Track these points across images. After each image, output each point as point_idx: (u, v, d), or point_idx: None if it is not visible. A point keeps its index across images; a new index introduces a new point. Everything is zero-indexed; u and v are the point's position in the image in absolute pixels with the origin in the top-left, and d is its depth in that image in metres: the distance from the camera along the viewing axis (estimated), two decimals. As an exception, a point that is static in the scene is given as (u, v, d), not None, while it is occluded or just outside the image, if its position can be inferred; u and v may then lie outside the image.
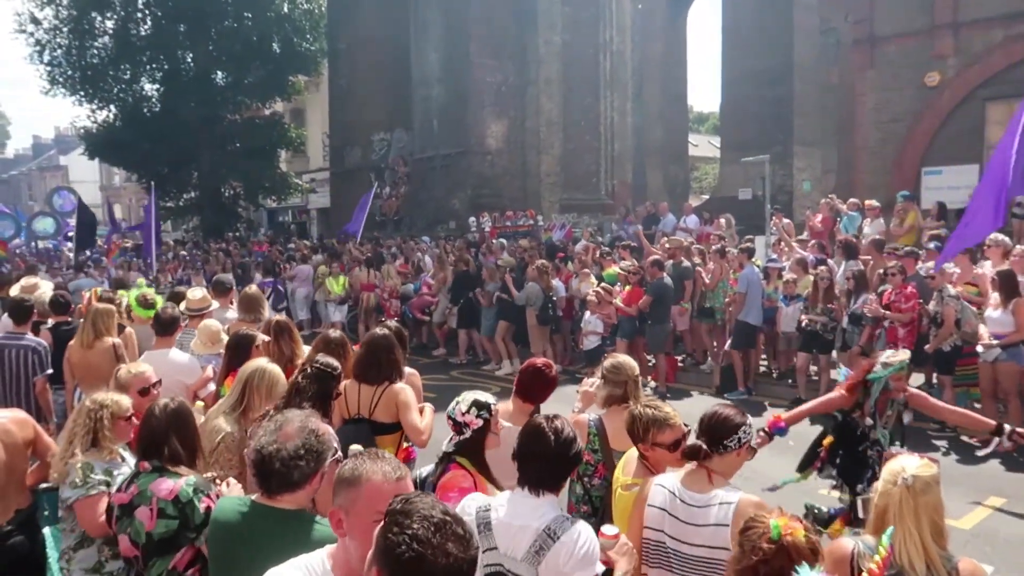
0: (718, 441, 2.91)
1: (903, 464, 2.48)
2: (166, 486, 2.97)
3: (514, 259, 13.78)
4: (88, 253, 20.02)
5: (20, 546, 3.60)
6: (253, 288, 7.38)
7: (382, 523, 1.73)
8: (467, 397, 3.29)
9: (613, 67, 22.30)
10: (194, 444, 3.22)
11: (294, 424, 2.63)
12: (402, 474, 2.16)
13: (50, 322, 6.93)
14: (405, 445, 4.44)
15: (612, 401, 3.81)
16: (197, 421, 3.45)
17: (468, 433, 3.21)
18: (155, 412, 3.17)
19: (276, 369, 3.96)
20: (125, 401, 3.63)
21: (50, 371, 6.08)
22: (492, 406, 3.21)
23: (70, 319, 7.03)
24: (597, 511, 3.68)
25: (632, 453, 3.40)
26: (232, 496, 2.87)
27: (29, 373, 5.98)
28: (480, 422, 3.18)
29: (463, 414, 3.22)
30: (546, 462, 2.65)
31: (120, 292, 8.42)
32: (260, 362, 4.00)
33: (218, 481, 3.17)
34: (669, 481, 2.98)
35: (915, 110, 14.90)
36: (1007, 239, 9.39)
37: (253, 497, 2.69)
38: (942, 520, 2.45)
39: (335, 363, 3.84)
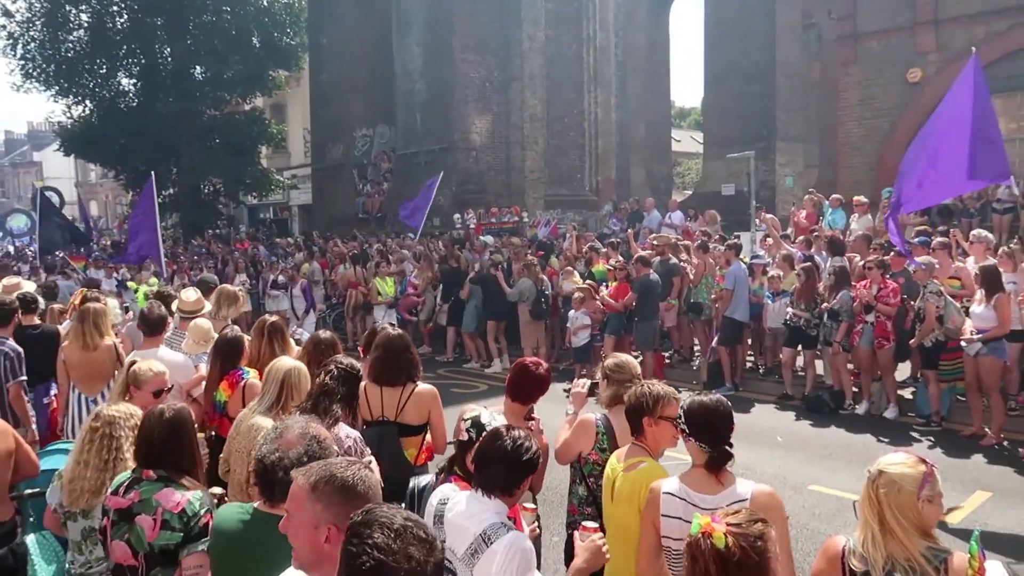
0: (728, 435, 2.88)
1: (881, 459, 2.46)
2: (174, 499, 2.89)
3: (501, 256, 13.74)
4: (60, 254, 19.61)
5: (3, 560, 3.50)
6: (230, 286, 7.33)
7: (344, 538, 1.72)
8: (476, 411, 3.26)
9: (596, 62, 22.29)
10: (193, 452, 3.12)
11: (294, 431, 2.60)
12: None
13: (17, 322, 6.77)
14: (426, 444, 4.40)
15: (617, 400, 3.73)
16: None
17: (457, 439, 3.21)
18: (152, 419, 3.07)
19: (304, 367, 3.92)
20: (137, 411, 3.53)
21: (23, 377, 5.93)
22: (487, 428, 3.15)
23: (39, 322, 6.87)
24: (602, 512, 3.63)
25: (616, 452, 3.39)
26: (233, 504, 2.81)
27: (2, 379, 5.86)
28: (466, 436, 3.15)
29: (461, 419, 3.19)
30: (499, 466, 2.68)
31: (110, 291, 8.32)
32: (289, 361, 3.95)
33: (227, 499, 3.11)
34: (674, 487, 2.92)
35: (898, 106, 15.01)
36: (989, 235, 9.49)
37: (255, 505, 2.64)
38: (913, 515, 2.35)
39: (358, 364, 3.83)
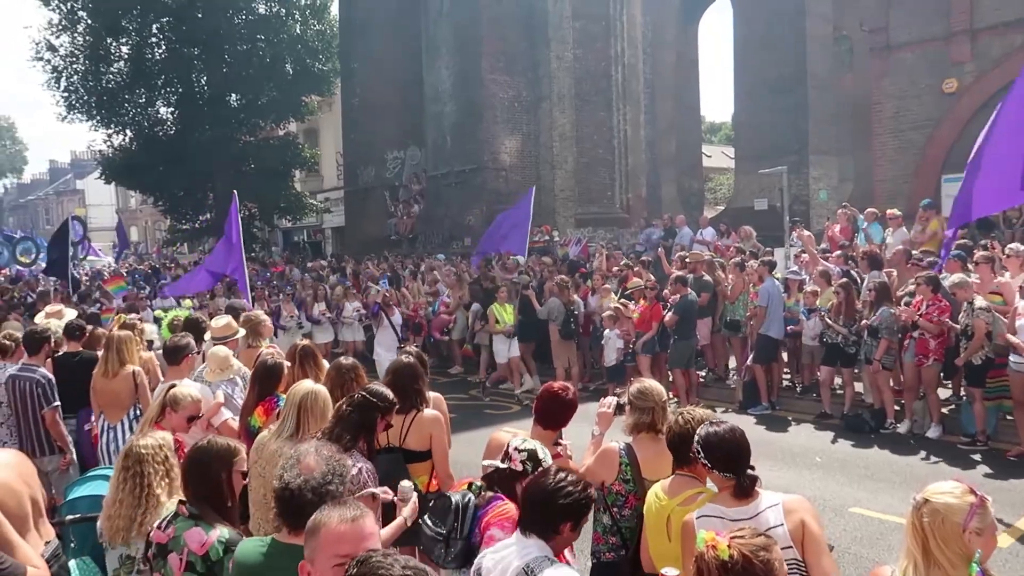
0: (748, 462, 2.88)
1: (928, 488, 2.39)
2: (199, 539, 2.89)
3: (530, 276, 13.71)
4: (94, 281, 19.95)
5: None
6: (258, 312, 7.40)
7: None
8: (531, 443, 3.26)
9: (625, 80, 22.26)
10: (218, 488, 3.06)
11: (312, 456, 2.66)
12: (358, 515, 2.14)
13: (62, 350, 6.93)
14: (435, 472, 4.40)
15: (640, 428, 3.67)
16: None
17: (506, 465, 3.19)
18: (192, 449, 3.10)
19: (324, 390, 3.94)
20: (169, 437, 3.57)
21: (57, 403, 6.06)
22: (543, 464, 3.14)
23: (81, 348, 7.02)
24: (627, 542, 3.56)
25: (660, 483, 3.30)
26: (252, 539, 2.82)
27: (36, 406, 5.99)
28: (520, 467, 3.15)
29: (516, 450, 3.18)
30: (536, 506, 2.71)
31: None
32: (308, 384, 3.96)
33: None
34: (707, 509, 2.90)
35: (933, 117, 14.74)
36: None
37: (274, 536, 2.65)
38: (959, 546, 2.26)
39: (386, 393, 3.78)
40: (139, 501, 3.27)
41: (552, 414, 3.82)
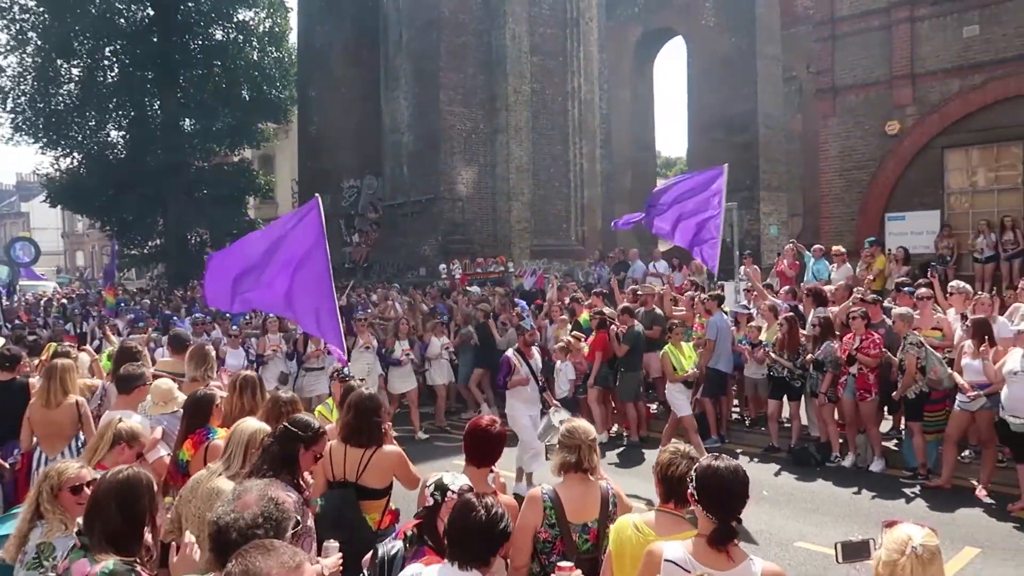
0: (739, 509, 2.75)
1: (909, 533, 2.38)
2: (82, 570, 2.75)
3: (489, 304, 13.69)
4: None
5: None
6: (202, 343, 7.22)
7: None
8: (436, 475, 3.22)
9: (582, 114, 22.59)
10: (140, 520, 2.95)
11: (253, 493, 2.54)
12: (299, 562, 2.04)
13: None
14: (391, 508, 4.34)
15: (567, 468, 3.57)
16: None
17: (421, 508, 3.15)
18: (105, 479, 2.97)
19: (268, 429, 3.80)
20: (71, 471, 3.42)
21: None
22: (450, 491, 3.08)
23: (15, 376, 6.73)
24: None
25: (638, 517, 3.18)
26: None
27: None
28: (431, 501, 3.10)
29: (424, 486, 3.12)
30: (476, 539, 2.65)
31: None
32: (253, 422, 3.83)
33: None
34: (678, 554, 2.76)
35: (877, 157, 15.21)
36: (968, 286, 9.52)
37: (212, 574, 2.54)
38: None
39: (311, 422, 3.66)
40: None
41: (482, 450, 3.75)
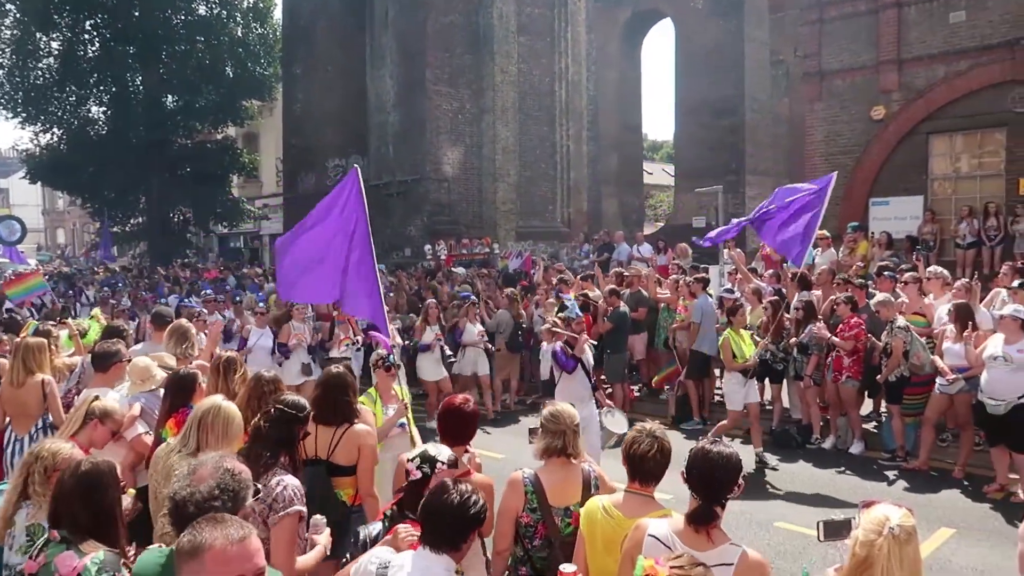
0: (723, 495, 2.75)
1: (886, 513, 2.40)
2: (70, 563, 2.71)
3: (472, 287, 13.68)
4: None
5: None
6: (183, 320, 7.13)
7: None
8: (425, 448, 3.20)
9: (568, 96, 22.52)
10: (110, 511, 2.92)
11: (208, 466, 2.54)
12: (245, 534, 2.04)
13: None
14: None
15: (551, 452, 3.55)
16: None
17: (406, 482, 3.12)
18: (66, 474, 2.92)
19: (231, 407, 3.75)
20: (64, 451, 3.37)
21: None
22: (439, 463, 3.07)
23: None
24: (538, 573, 3.47)
25: (607, 499, 3.20)
26: (152, 549, 2.68)
27: None
28: (419, 474, 3.07)
29: (408, 460, 3.10)
30: (448, 522, 2.65)
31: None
32: (215, 399, 3.79)
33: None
34: (662, 531, 2.80)
35: (862, 142, 15.27)
36: (945, 271, 9.60)
37: (173, 547, 2.53)
38: (921, 570, 2.39)
39: (302, 403, 3.67)
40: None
41: (456, 429, 3.73)
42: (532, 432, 3.74)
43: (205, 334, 8.40)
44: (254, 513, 3.16)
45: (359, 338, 10.15)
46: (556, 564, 3.30)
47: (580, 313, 8.07)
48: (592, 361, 7.80)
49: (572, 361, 7.24)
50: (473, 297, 11.85)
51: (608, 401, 7.81)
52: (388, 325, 6.19)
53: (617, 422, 6.32)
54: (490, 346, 11.27)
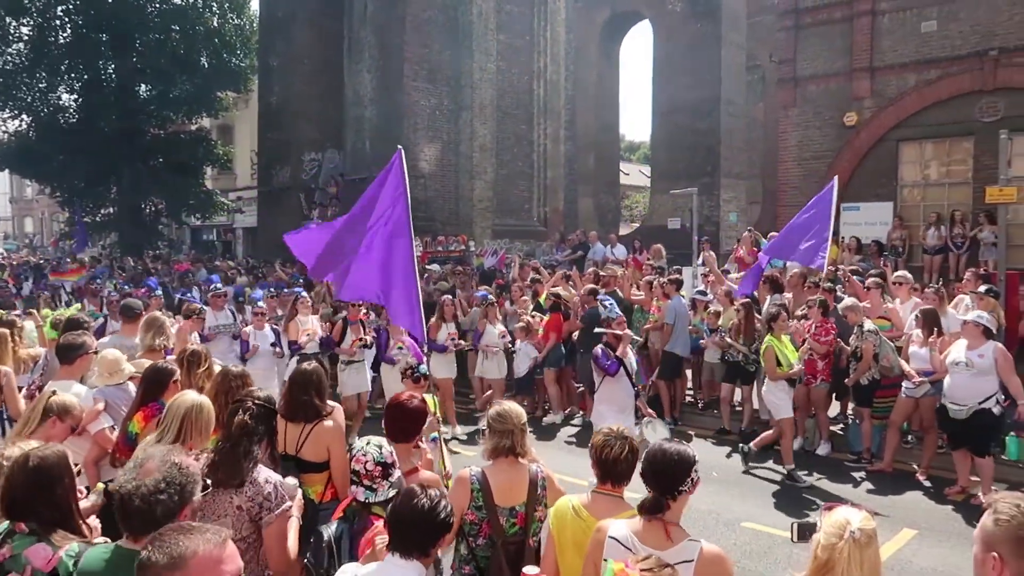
0: (674, 488, 2.83)
1: (847, 517, 2.45)
2: (44, 555, 2.67)
3: (448, 284, 13.66)
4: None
5: None
6: (156, 312, 7.05)
7: None
8: (368, 438, 3.22)
9: (547, 95, 22.55)
10: (67, 503, 2.85)
11: (155, 460, 2.54)
12: (225, 536, 2.04)
13: None
14: (331, 482, 4.30)
15: (499, 452, 3.55)
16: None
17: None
18: (16, 467, 2.82)
19: (208, 403, 3.77)
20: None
21: None
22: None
23: None
24: (482, 572, 3.47)
25: (577, 499, 3.22)
26: (98, 545, 2.65)
27: None
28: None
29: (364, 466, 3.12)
30: (416, 527, 2.64)
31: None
32: (192, 396, 3.77)
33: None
34: (621, 532, 2.84)
35: (835, 148, 15.50)
36: (910, 276, 9.79)
37: (118, 543, 2.53)
38: (880, 573, 2.43)
39: (272, 397, 3.72)
40: None
41: (401, 425, 3.71)
42: (480, 433, 3.75)
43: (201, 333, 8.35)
44: (241, 512, 3.15)
45: (368, 337, 9.55)
46: (498, 564, 3.34)
47: (620, 312, 7.82)
48: (635, 365, 7.61)
49: (615, 364, 7.05)
50: (491, 297, 11.33)
51: (649, 410, 7.60)
52: (424, 330, 6.03)
53: (659, 433, 5.88)
54: (511, 346, 10.84)
